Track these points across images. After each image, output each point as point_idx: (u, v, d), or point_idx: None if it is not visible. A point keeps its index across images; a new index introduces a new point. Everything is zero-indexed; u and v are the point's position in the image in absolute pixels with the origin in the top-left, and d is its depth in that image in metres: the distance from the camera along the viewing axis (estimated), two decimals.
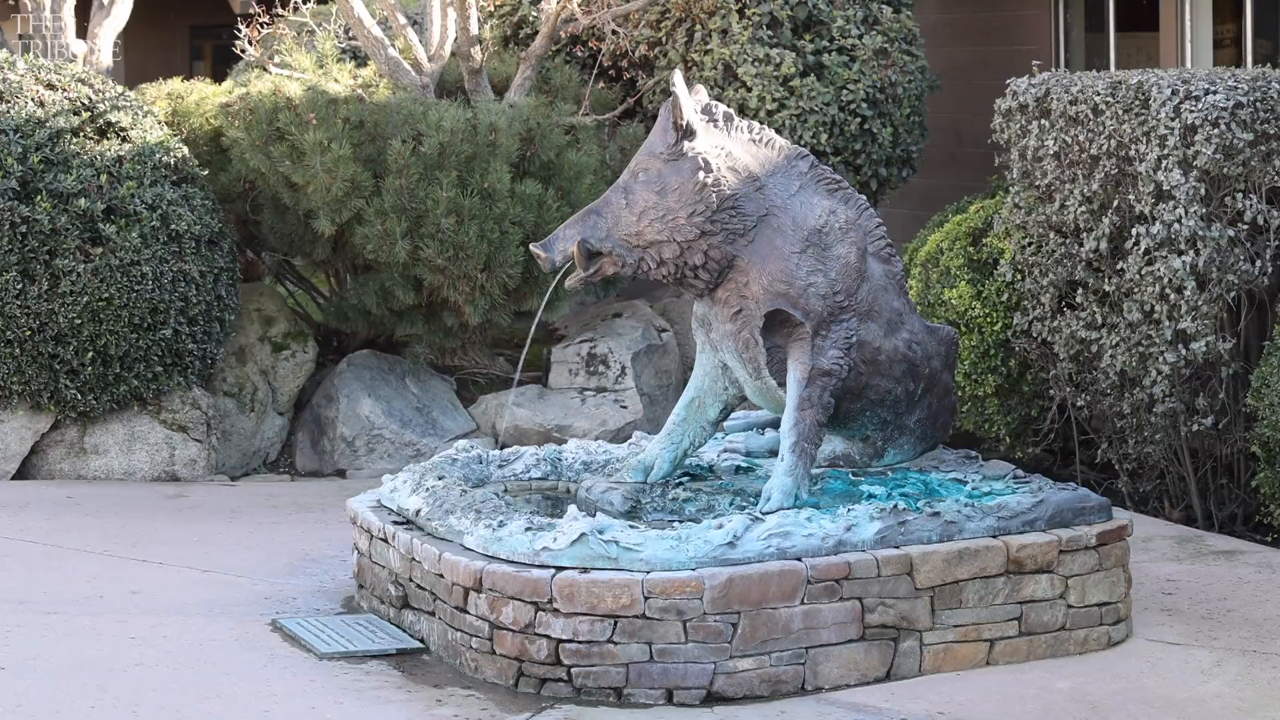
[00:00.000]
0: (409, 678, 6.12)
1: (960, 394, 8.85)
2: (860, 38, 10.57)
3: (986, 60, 11.39)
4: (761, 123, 8.07)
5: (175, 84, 11.07)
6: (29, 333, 9.13)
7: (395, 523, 6.66)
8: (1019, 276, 8.85)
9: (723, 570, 5.89)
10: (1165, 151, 7.92)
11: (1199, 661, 6.27)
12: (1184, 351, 7.94)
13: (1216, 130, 7.79)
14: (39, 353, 9.18)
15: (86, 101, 9.62)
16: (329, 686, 6.01)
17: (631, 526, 6.08)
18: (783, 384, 6.57)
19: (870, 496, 6.58)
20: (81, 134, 9.45)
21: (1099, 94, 8.26)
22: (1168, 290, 7.97)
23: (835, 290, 6.52)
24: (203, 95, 10.71)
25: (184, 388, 9.60)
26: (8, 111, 9.37)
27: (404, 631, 6.51)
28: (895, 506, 6.24)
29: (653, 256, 6.52)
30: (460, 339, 10.47)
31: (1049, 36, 11.26)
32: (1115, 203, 8.25)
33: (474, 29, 10.46)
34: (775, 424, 7.16)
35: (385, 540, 6.65)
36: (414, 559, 6.42)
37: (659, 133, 6.58)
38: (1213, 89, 7.88)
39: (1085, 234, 8.40)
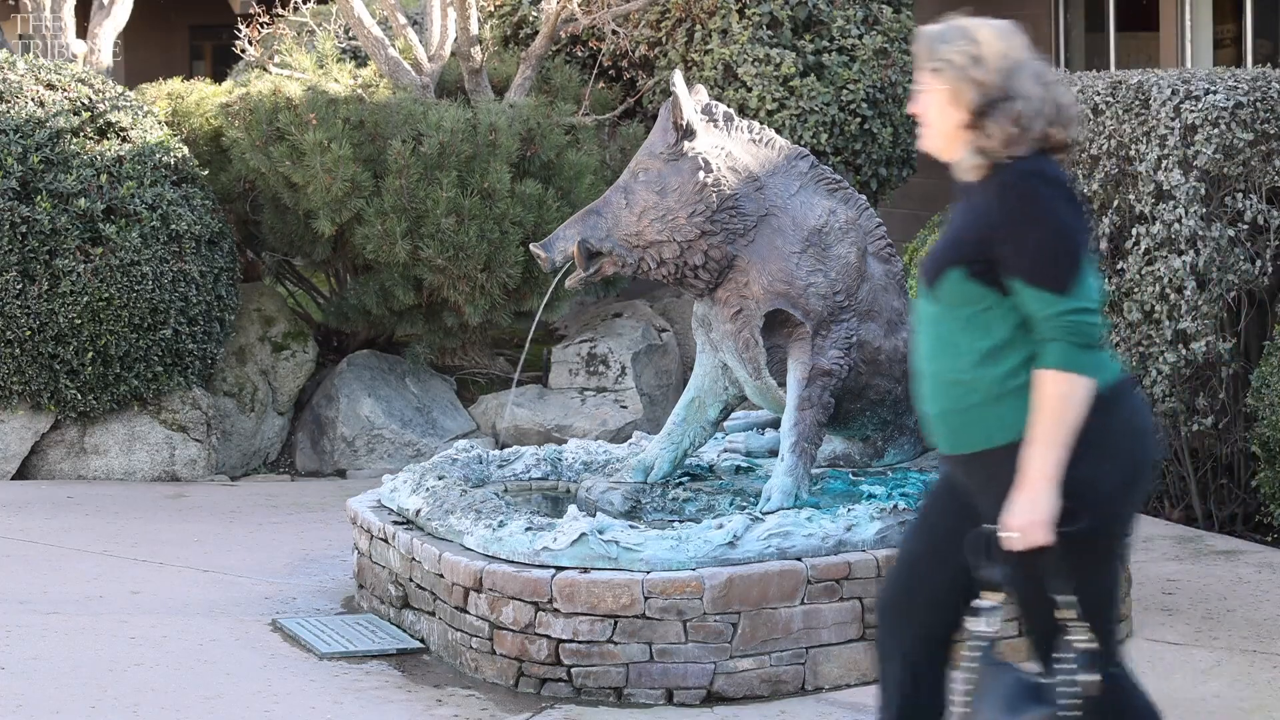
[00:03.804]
0: (409, 678, 6.12)
1: None
2: (860, 38, 10.57)
3: None
4: (761, 123, 8.07)
5: (175, 84, 11.08)
6: (29, 333, 9.13)
7: (395, 523, 6.66)
8: None
9: (723, 570, 5.89)
10: (1165, 151, 7.92)
11: (1199, 661, 6.27)
12: (1184, 351, 7.94)
13: (1216, 130, 7.79)
14: (39, 353, 9.19)
15: (86, 101, 9.62)
16: (329, 686, 6.01)
17: (631, 526, 6.08)
18: (783, 384, 6.57)
19: (870, 496, 6.58)
20: (81, 134, 9.46)
21: (1099, 94, 8.26)
22: (1168, 290, 7.97)
23: (835, 290, 6.52)
24: (203, 95, 10.72)
25: (184, 388, 9.61)
26: (8, 111, 9.37)
27: (404, 631, 6.51)
28: (895, 506, 6.23)
29: (653, 256, 6.52)
30: (460, 339, 10.47)
31: (1049, 36, 11.27)
32: (1115, 203, 8.25)
33: (474, 29, 10.46)
34: (775, 424, 7.16)
35: (385, 540, 6.65)
36: (414, 559, 6.42)
37: (659, 133, 6.58)
38: (1213, 89, 7.88)
39: None
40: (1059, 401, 4.06)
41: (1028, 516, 4.07)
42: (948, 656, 4.39)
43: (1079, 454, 4.09)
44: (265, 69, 11.07)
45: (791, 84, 10.33)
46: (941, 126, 4.24)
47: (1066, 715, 4.11)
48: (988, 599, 4.22)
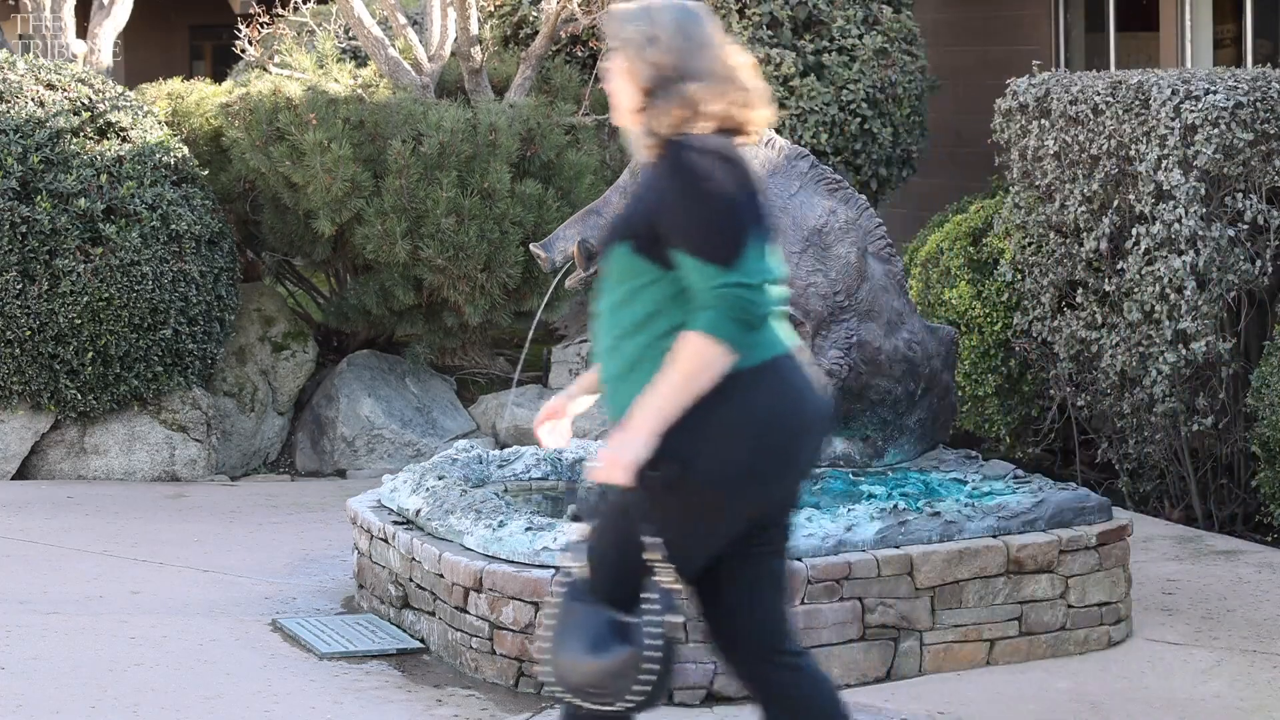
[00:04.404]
0: (409, 678, 6.12)
1: (960, 394, 8.85)
2: (860, 38, 10.57)
3: (986, 60, 11.39)
4: None
5: (175, 84, 11.07)
6: (29, 333, 9.13)
7: (395, 523, 6.66)
8: (1019, 276, 8.85)
9: None
10: (1165, 151, 7.92)
11: (1199, 661, 6.26)
12: (1184, 351, 7.94)
13: (1216, 130, 7.78)
14: (39, 353, 9.18)
15: (86, 101, 9.62)
16: (329, 686, 6.01)
17: None
18: None
19: (870, 496, 6.58)
20: (81, 134, 9.45)
21: (1099, 94, 8.26)
22: (1168, 290, 7.97)
23: (835, 290, 6.52)
24: (203, 95, 10.71)
25: (184, 388, 9.60)
26: (8, 111, 9.37)
27: (404, 631, 6.51)
28: (895, 506, 6.23)
29: None
30: (460, 339, 10.47)
31: (1049, 36, 11.27)
32: (1115, 203, 8.25)
33: (474, 29, 10.46)
34: None
35: (385, 540, 6.65)
36: (414, 559, 6.42)
37: None
38: (1213, 89, 7.88)
39: (1085, 234, 8.40)
40: (692, 361, 4.09)
41: (616, 455, 4.13)
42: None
43: (698, 424, 4.12)
44: (265, 69, 11.07)
45: (791, 84, 10.32)
46: (621, 103, 4.32)
47: (650, 655, 4.15)
48: (578, 535, 4.30)
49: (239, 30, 11.44)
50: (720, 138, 4.23)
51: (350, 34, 11.46)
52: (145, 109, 9.93)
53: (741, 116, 4.27)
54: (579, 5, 10.55)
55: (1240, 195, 7.89)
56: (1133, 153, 8.09)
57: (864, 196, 7.38)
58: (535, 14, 11.46)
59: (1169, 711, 5.82)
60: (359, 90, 10.38)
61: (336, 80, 10.57)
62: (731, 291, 4.08)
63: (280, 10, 11.92)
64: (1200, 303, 7.89)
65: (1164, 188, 7.95)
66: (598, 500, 4.24)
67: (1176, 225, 7.89)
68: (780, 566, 4.41)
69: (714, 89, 4.23)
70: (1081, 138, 8.33)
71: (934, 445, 7.04)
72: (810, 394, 4.27)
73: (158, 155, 9.59)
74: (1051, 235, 8.61)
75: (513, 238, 9.64)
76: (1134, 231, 8.09)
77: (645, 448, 4.11)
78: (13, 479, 9.38)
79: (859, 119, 10.44)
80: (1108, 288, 8.27)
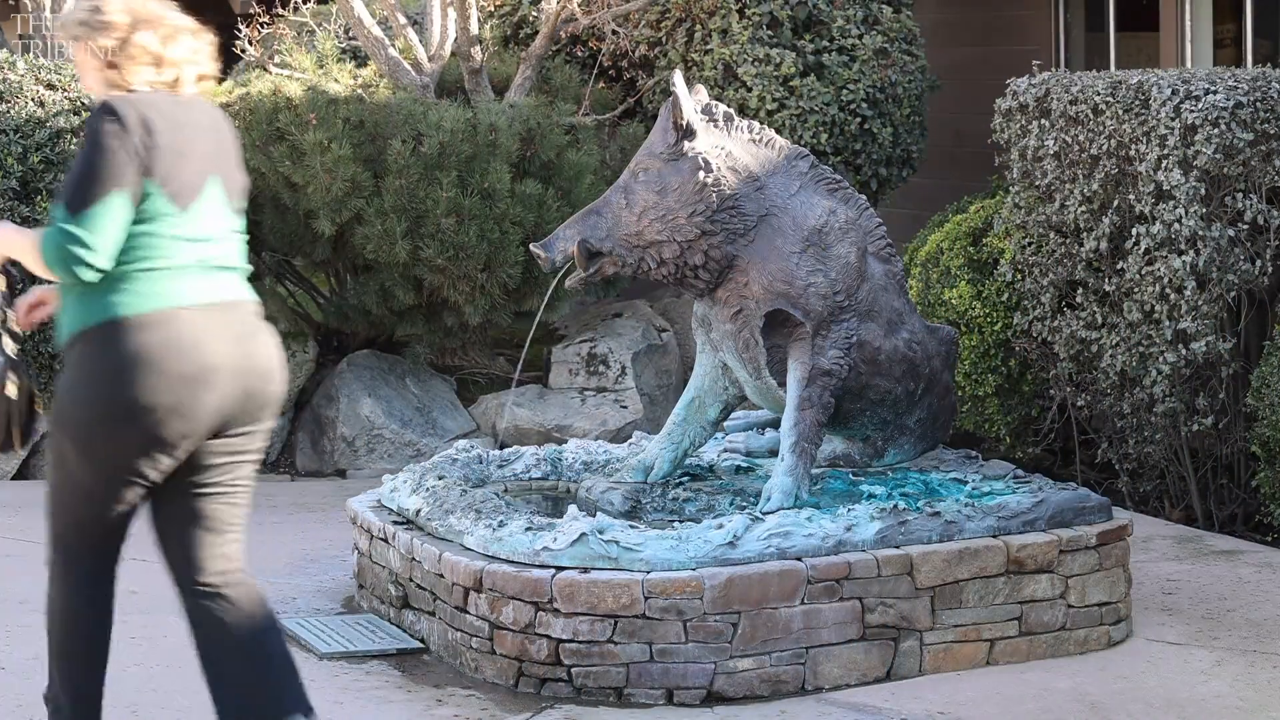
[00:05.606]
0: (409, 678, 6.12)
1: (960, 394, 8.85)
2: (860, 38, 10.57)
3: (986, 60, 11.39)
4: (761, 123, 8.06)
5: None
6: (29, 333, 9.13)
7: (395, 523, 6.66)
8: (1019, 276, 8.85)
9: (723, 570, 5.89)
10: (1165, 151, 7.92)
11: (1199, 661, 6.27)
12: (1184, 351, 7.94)
13: (1216, 130, 7.78)
14: (39, 353, 9.18)
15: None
16: (329, 687, 6.01)
17: (631, 526, 6.08)
18: (783, 384, 6.57)
19: (870, 496, 6.58)
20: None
21: (1099, 94, 8.26)
22: (1168, 290, 7.97)
23: (835, 290, 6.52)
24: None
25: None
26: (8, 111, 9.38)
27: (404, 631, 6.51)
28: (895, 506, 6.24)
29: (653, 256, 6.52)
30: (460, 339, 10.46)
31: (1049, 36, 11.27)
32: (1115, 203, 8.25)
33: (474, 29, 10.46)
34: (775, 424, 7.16)
35: (385, 540, 6.65)
36: (414, 559, 6.42)
37: (659, 133, 6.58)
38: (1213, 89, 7.88)
39: (1085, 234, 8.40)
40: (31, 251, 4.68)
41: None
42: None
43: (76, 359, 4.70)
44: (265, 69, 11.07)
45: (791, 84, 10.32)
46: (86, 80, 4.83)
47: None
48: None
49: (239, 30, 11.44)
50: (124, 98, 4.69)
51: (350, 34, 11.45)
52: None
53: (169, 76, 4.84)
54: (579, 5, 10.55)
55: (1240, 195, 7.89)
56: (1133, 153, 8.09)
57: (864, 196, 7.38)
58: (535, 14, 11.45)
59: (1169, 711, 5.82)
60: (359, 90, 10.37)
61: (336, 80, 10.57)
62: (60, 232, 4.57)
63: (280, 10, 11.91)
64: (1200, 303, 7.89)
65: (1164, 188, 7.95)
66: None
67: (1176, 225, 7.89)
68: (217, 509, 4.95)
69: (130, 46, 4.74)
70: (1081, 138, 8.33)
71: (934, 445, 7.04)
72: (198, 349, 4.68)
73: None
74: (1051, 235, 8.61)
75: (513, 238, 9.63)
76: (1134, 231, 8.09)
77: None
78: (13, 479, 9.38)
79: (859, 119, 10.44)
80: (1108, 288, 8.27)
